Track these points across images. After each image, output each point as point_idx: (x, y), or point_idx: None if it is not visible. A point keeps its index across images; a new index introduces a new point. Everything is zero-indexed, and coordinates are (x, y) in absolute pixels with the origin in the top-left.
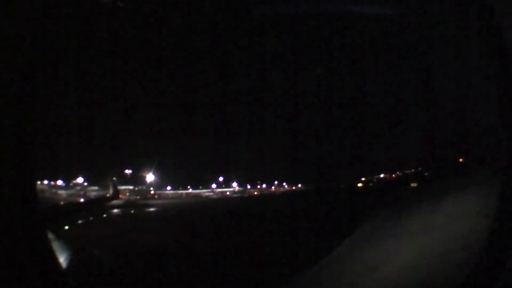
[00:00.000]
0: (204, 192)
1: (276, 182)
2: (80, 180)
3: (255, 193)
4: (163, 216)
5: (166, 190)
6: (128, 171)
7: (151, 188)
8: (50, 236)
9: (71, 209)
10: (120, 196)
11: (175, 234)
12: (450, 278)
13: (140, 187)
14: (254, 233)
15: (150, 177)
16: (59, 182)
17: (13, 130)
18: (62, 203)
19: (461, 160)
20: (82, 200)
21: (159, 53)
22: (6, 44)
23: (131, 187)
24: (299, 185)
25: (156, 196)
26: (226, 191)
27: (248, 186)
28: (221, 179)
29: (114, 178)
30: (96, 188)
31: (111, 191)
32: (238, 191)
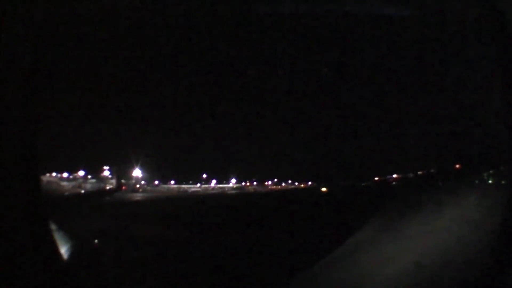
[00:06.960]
0: (191, 187)
1: (276, 180)
2: (81, 173)
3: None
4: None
5: (170, 184)
6: (106, 167)
7: (142, 182)
8: (52, 226)
9: (76, 200)
10: (123, 188)
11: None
12: (452, 280)
13: (128, 181)
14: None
15: (137, 172)
16: (65, 175)
17: (18, 125)
18: (66, 193)
19: (457, 166)
20: (82, 191)
21: (151, 51)
22: (10, 41)
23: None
24: (309, 183)
25: (140, 190)
26: (224, 187)
27: (255, 183)
28: (204, 176)
29: (117, 172)
30: (94, 181)
31: (115, 183)
32: (236, 188)
